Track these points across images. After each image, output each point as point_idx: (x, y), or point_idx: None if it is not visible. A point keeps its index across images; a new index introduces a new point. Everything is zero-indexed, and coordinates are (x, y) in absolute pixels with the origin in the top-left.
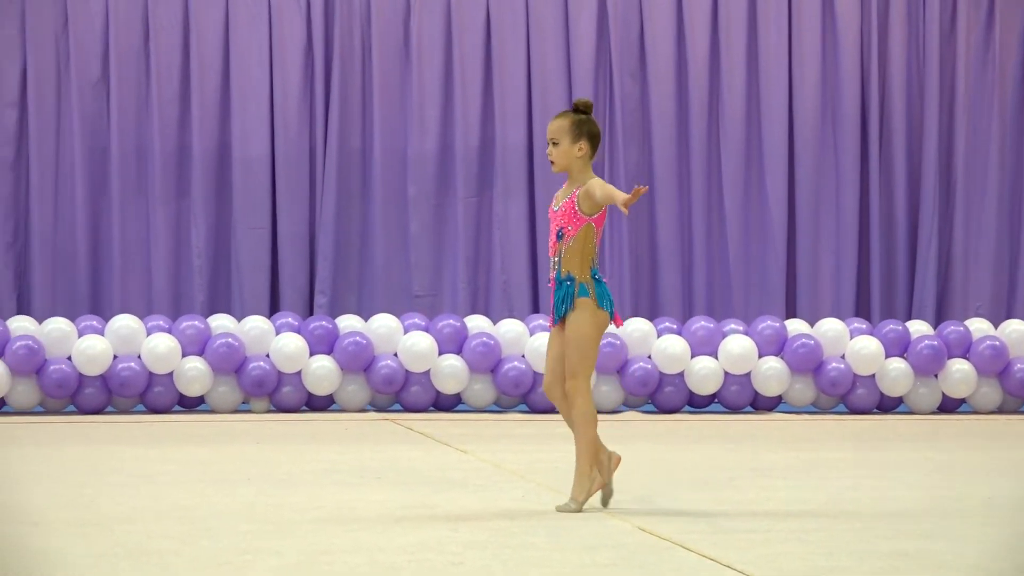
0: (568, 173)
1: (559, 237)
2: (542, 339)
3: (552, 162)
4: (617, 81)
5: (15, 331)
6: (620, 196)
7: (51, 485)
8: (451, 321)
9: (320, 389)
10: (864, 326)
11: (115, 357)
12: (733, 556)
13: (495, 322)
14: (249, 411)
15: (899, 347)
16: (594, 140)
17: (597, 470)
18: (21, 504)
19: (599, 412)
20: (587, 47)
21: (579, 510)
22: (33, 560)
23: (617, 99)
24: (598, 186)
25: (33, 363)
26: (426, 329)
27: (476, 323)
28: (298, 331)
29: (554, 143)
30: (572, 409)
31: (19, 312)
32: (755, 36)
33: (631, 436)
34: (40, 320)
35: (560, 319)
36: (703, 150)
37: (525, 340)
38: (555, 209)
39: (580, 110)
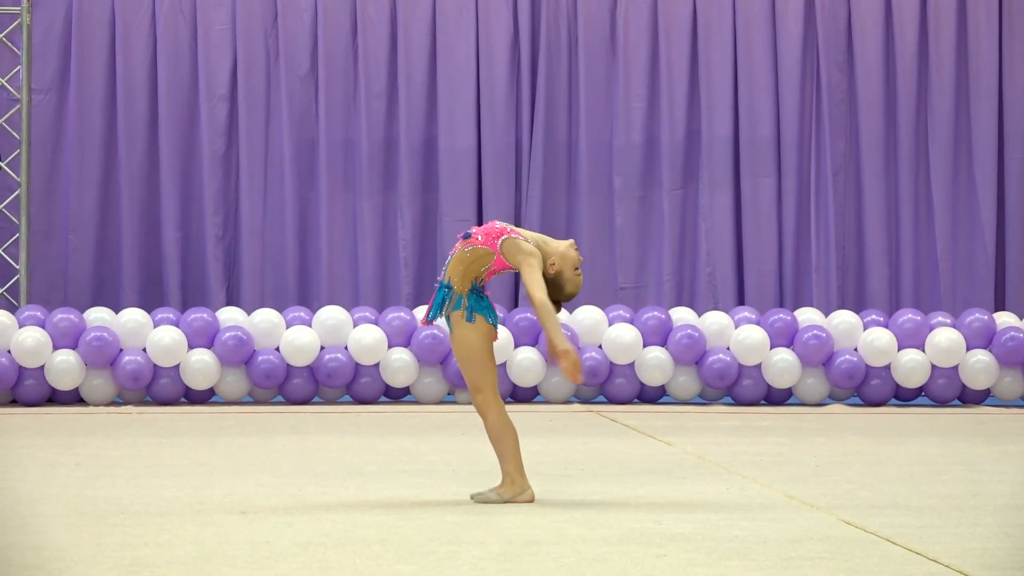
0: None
1: (465, 236)
2: (747, 332)
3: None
4: (824, 73)
5: (224, 322)
6: (558, 340)
7: (259, 475)
8: (656, 313)
9: (525, 381)
10: None
11: (322, 348)
12: (940, 550)
13: (700, 314)
14: (454, 402)
15: None
16: (556, 287)
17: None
18: (230, 494)
19: (806, 404)
20: (794, 39)
21: (500, 502)
22: (240, 548)
23: (824, 91)
24: (528, 271)
25: (242, 354)
26: (631, 321)
27: (681, 315)
28: (503, 323)
29: (551, 264)
30: (485, 423)
31: (228, 303)
32: (964, 25)
33: (836, 429)
34: (249, 311)
35: (435, 317)
36: (911, 141)
37: (730, 332)
38: (493, 223)
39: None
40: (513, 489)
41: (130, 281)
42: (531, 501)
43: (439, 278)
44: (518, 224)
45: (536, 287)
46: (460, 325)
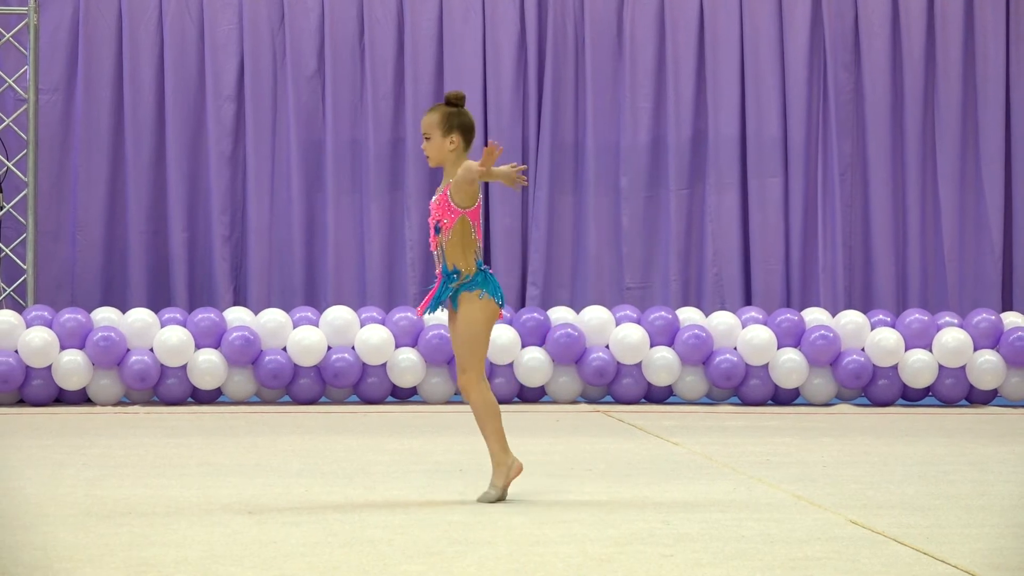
0: (444, 167)
1: (436, 231)
2: (754, 332)
3: (428, 157)
4: (831, 73)
5: (231, 322)
6: (473, 164)
7: (267, 475)
8: (663, 313)
9: (532, 381)
10: None
11: (329, 348)
12: (948, 550)
13: (707, 314)
14: (461, 402)
15: None
16: (466, 132)
17: (513, 456)
18: (238, 494)
19: (813, 404)
20: (801, 39)
21: (501, 497)
22: (248, 549)
23: (831, 91)
24: (461, 169)
25: (249, 354)
26: (638, 321)
27: (688, 315)
28: (510, 323)
29: (427, 138)
30: (469, 403)
31: (235, 303)
32: (971, 25)
33: (843, 429)
34: (256, 311)
35: (434, 309)
36: (918, 141)
37: (737, 332)
38: (432, 201)
39: (452, 103)
40: (501, 471)
41: (137, 281)
42: (520, 471)
43: (437, 272)
44: (525, 227)
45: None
46: (469, 303)
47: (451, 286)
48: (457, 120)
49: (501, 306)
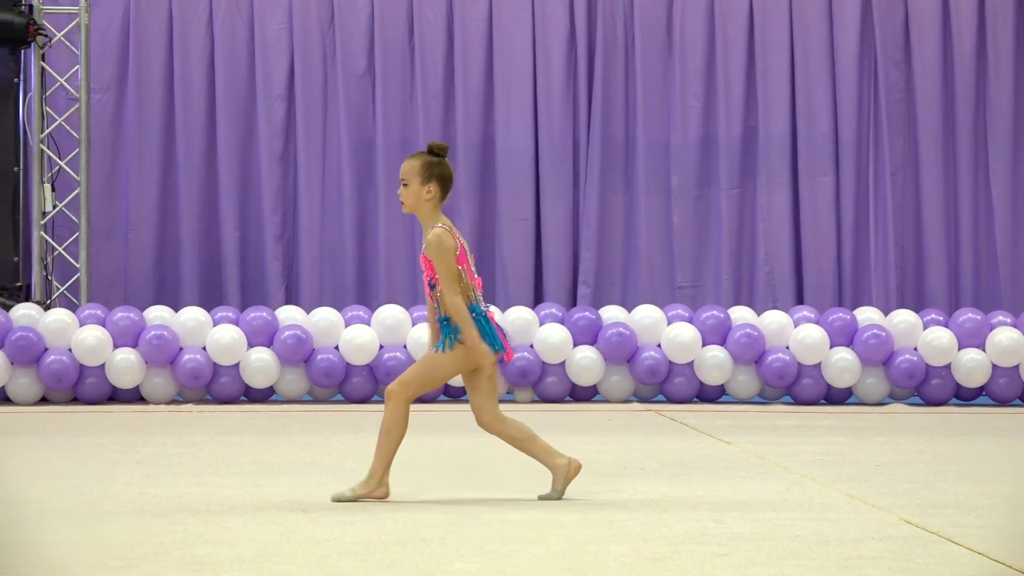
0: (417, 216)
1: (431, 287)
2: (806, 331)
3: (402, 203)
4: (882, 70)
5: (283, 321)
6: (470, 336)
7: (320, 474)
8: (715, 312)
9: (584, 380)
10: None
11: (381, 347)
12: (1003, 550)
13: (759, 313)
14: (513, 401)
15: None
16: (444, 183)
17: (387, 482)
18: (291, 492)
19: (866, 404)
20: (851, 36)
21: (353, 499)
22: (301, 547)
23: (882, 89)
24: (440, 257)
25: (301, 352)
26: (690, 320)
27: (740, 314)
28: (562, 322)
29: (404, 184)
30: (384, 410)
31: (287, 302)
32: (1022, 20)
33: (897, 428)
34: (308, 310)
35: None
36: (969, 139)
37: (790, 332)
38: (420, 258)
39: (434, 152)
40: (369, 485)
41: (189, 280)
42: (384, 497)
43: (437, 318)
44: (576, 226)
45: (449, 290)
46: (458, 345)
47: (450, 333)
48: (437, 170)
49: (497, 350)
